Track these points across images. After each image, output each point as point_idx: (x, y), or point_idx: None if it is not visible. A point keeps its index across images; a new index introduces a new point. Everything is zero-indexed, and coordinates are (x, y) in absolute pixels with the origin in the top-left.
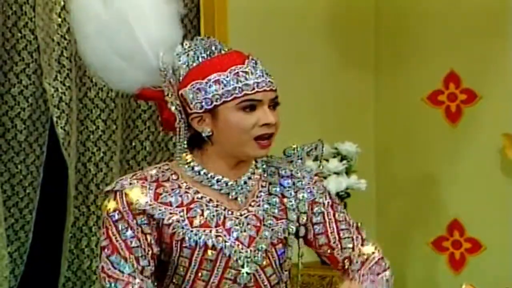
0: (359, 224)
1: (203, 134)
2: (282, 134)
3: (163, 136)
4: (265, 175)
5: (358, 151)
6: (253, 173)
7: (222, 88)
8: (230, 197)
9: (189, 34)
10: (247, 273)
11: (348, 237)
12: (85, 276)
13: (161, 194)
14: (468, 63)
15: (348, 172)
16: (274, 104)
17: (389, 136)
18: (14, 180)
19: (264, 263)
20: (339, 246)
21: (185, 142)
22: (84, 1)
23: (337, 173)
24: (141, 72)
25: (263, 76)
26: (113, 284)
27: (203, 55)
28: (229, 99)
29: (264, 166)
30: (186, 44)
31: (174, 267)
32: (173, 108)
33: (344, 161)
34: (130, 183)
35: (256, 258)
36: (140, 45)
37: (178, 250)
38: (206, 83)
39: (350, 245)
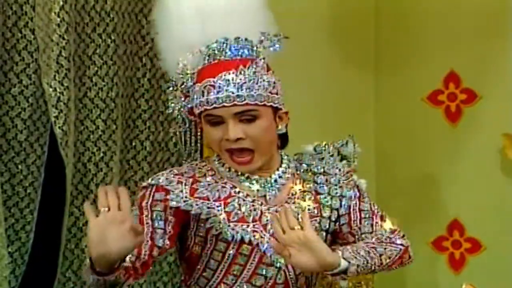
0: (384, 213)
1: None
2: None
3: (164, 136)
4: (298, 172)
5: (358, 151)
6: (285, 172)
7: (195, 99)
8: (259, 194)
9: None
10: (276, 267)
11: (369, 224)
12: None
13: (197, 189)
14: (468, 63)
15: None
16: (250, 117)
17: (389, 136)
18: (14, 180)
19: None
20: (359, 232)
21: (191, 145)
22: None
23: None
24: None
25: (229, 91)
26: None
27: (202, 61)
28: (197, 111)
29: (296, 164)
30: (203, 47)
31: (205, 261)
32: (175, 111)
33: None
34: (167, 178)
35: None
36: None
37: (213, 244)
38: (193, 91)
39: (370, 229)
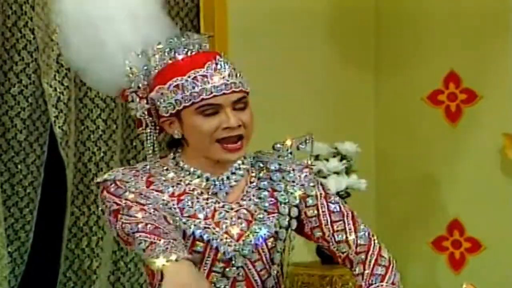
0: (353, 212)
1: (175, 137)
2: (283, 133)
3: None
4: (254, 169)
5: (358, 150)
6: (238, 168)
7: (182, 93)
8: (210, 192)
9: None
10: (236, 267)
11: (342, 230)
12: (85, 276)
13: (153, 182)
14: (468, 63)
15: (348, 172)
16: (243, 104)
17: (389, 136)
18: (14, 180)
19: (254, 257)
20: (333, 239)
21: (154, 146)
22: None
23: (337, 173)
24: (115, 75)
25: (224, 79)
26: (133, 226)
27: (168, 57)
28: (188, 104)
29: (253, 161)
30: (157, 46)
31: None
32: (138, 114)
33: (344, 161)
34: (123, 173)
35: (245, 252)
36: (108, 48)
37: None
38: (168, 88)
39: (344, 238)
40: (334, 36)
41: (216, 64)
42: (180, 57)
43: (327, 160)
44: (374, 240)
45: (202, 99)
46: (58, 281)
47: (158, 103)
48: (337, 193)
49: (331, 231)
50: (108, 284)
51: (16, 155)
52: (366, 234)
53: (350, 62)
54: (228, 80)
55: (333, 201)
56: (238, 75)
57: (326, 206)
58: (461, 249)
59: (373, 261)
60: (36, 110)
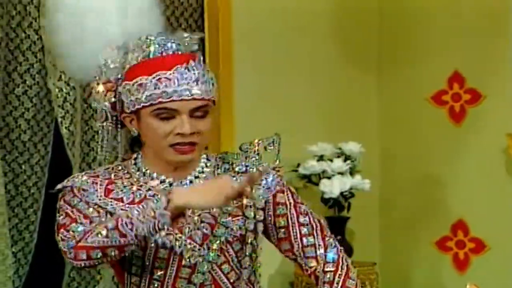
0: (322, 222)
1: (132, 134)
2: (285, 134)
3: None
4: (219, 171)
5: (362, 151)
6: (202, 172)
7: (143, 93)
8: None
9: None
10: (201, 273)
11: (311, 245)
12: (90, 276)
13: (112, 190)
14: (472, 63)
15: (352, 172)
16: (202, 113)
17: (393, 136)
18: (18, 180)
19: (220, 261)
20: (301, 254)
21: (107, 140)
22: None
23: (341, 173)
24: (91, 64)
25: (187, 84)
26: (70, 240)
27: (142, 54)
28: (146, 104)
29: (219, 163)
30: (136, 41)
31: (130, 267)
32: (98, 106)
33: (348, 161)
34: (82, 180)
35: (209, 256)
36: (89, 36)
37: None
38: (133, 85)
39: (313, 254)
40: (338, 36)
41: (185, 68)
42: (152, 55)
43: (331, 160)
44: (342, 258)
45: (160, 102)
46: (63, 282)
47: (123, 98)
48: (341, 194)
49: (300, 246)
50: (112, 284)
51: (20, 155)
52: (335, 251)
53: (354, 62)
54: (191, 87)
55: (303, 212)
56: (206, 82)
57: (295, 217)
58: (466, 250)
59: (340, 283)
60: (40, 111)
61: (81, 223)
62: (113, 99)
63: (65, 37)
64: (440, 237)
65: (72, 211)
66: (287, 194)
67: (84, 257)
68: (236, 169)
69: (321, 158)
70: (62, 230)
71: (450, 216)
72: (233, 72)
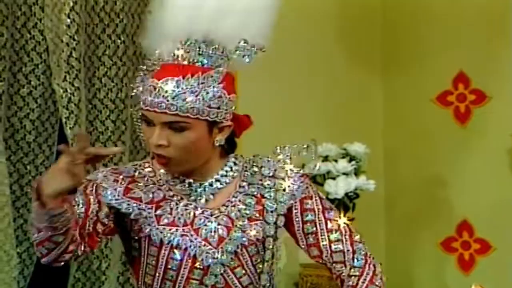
0: (351, 227)
1: None
2: (291, 134)
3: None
4: (246, 174)
5: (367, 151)
6: (225, 175)
7: (142, 94)
8: (190, 198)
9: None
10: (214, 274)
11: (340, 251)
12: (95, 276)
13: (132, 189)
14: (477, 64)
15: (357, 172)
16: (178, 128)
17: (398, 137)
18: (23, 181)
19: (234, 264)
20: (330, 260)
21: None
22: None
23: (346, 174)
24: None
25: (164, 97)
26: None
27: (168, 58)
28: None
29: (248, 165)
30: (182, 41)
31: (144, 266)
32: (138, 93)
33: (353, 162)
34: (104, 175)
35: (223, 259)
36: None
37: (146, 248)
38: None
39: (341, 259)
40: (342, 37)
41: (176, 81)
42: (163, 61)
43: (336, 161)
44: (369, 263)
45: (141, 109)
46: (68, 282)
47: None
48: (346, 194)
49: (329, 252)
50: (118, 284)
51: (25, 156)
52: (363, 256)
53: (359, 63)
54: (167, 100)
55: (331, 217)
56: (192, 99)
57: (324, 223)
58: (471, 250)
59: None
60: (45, 111)
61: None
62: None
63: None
64: (445, 238)
65: (77, 206)
66: (315, 200)
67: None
68: (264, 172)
69: (326, 158)
70: None
71: (455, 216)
72: (236, 73)
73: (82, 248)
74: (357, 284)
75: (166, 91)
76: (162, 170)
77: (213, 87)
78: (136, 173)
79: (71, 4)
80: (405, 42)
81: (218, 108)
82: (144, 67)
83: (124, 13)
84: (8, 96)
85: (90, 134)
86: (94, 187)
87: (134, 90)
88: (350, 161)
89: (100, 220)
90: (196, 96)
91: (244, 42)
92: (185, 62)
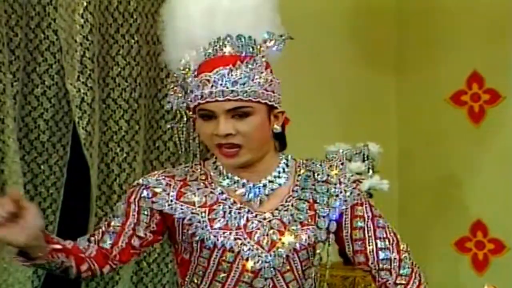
0: (398, 237)
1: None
2: (304, 134)
3: (187, 137)
4: (299, 179)
5: (381, 151)
6: (278, 176)
7: (191, 94)
8: (243, 199)
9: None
10: (264, 278)
11: (387, 259)
12: (108, 276)
13: (185, 193)
14: (492, 63)
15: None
16: (242, 113)
17: (411, 136)
18: (37, 180)
19: (284, 268)
20: (376, 267)
21: (183, 142)
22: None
23: (359, 174)
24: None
25: (224, 86)
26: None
27: (205, 55)
28: (191, 105)
29: (302, 169)
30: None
31: (194, 267)
32: (173, 106)
33: (366, 162)
34: (157, 179)
35: (275, 263)
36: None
37: (198, 250)
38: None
39: (388, 266)
40: (356, 36)
41: (229, 70)
42: (207, 57)
43: (350, 161)
44: (416, 273)
45: (199, 103)
46: (81, 282)
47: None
48: None
49: (376, 259)
50: (131, 284)
51: (39, 155)
52: (410, 265)
53: (373, 62)
54: (227, 88)
55: (380, 225)
56: (250, 83)
57: (372, 231)
58: (485, 250)
59: None
60: (59, 111)
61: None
62: (183, 100)
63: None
64: (459, 238)
65: (115, 217)
66: (366, 207)
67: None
68: (318, 177)
69: (364, 159)
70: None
71: (469, 216)
72: None
73: (109, 268)
74: None
75: (223, 79)
76: (214, 171)
77: (262, 72)
78: (188, 176)
79: (85, 4)
80: (419, 41)
81: (273, 92)
82: (174, 80)
83: (137, 13)
84: (22, 96)
85: (104, 134)
86: (139, 194)
87: (169, 104)
88: (363, 160)
89: (136, 234)
90: (252, 80)
91: (268, 34)
92: (227, 54)
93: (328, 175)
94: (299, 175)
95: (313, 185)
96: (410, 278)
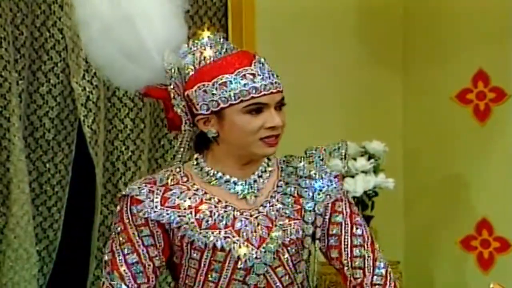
0: (373, 237)
1: (209, 135)
2: (309, 132)
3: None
4: (283, 174)
5: (386, 149)
6: (264, 171)
7: (229, 91)
8: (238, 197)
9: (217, 33)
10: (256, 274)
11: (360, 256)
12: None
13: (169, 198)
14: (497, 61)
15: (375, 171)
16: (280, 105)
17: (417, 135)
18: (42, 179)
19: (275, 264)
20: (349, 264)
21: (189, 143)
22: (89, 1)
23: (364, 172)
24: (146, 71)
25: (270, 78)
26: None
27: (210, 55)
28: (236, 102)
29: (283, 165)
30: (191, 44)
31: (185, 269)
32: (178, 110)
33: (372, 160)
34: (139, 187)
35: (265, 259)
36: (145, 45)
37: (189, 252)
38: (213, 85)
39: (361, 265)
40: (362, 34)
41: (260, 63)
42: (221, 55)
43: (354, 159)
44: (390, 273)
45: (252, 98)
46: (87, 280)
47: (196, 100)
48: (365, 192)
49: (349, 255)
50: None
51: (45, 154)
52: (384, 265)
53: (378, 61)
54: (272, 80)
55: (357, 223)
56: (276, 75)
57: (349, 227)
58: (490, 249)
59: None
60: (64, 109)
61: (122, 279)
62: (182, 103)
63: (112, 51)
64: (465, 236)
65: (116, 249)
66: (345, 203)
67: None
68: (300, 173)
69: (344, 157)
70: (106, 272)
71: (475, 215)
72: None
73: None
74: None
75: (267, 72)
76: (200, 173)
77: None
78: (169, 181)
79: None
80: (425, 39)
81: None
82: (174, 83)
83: None
84: (28, 94)
85: (109, 132)
86: (129, 211)
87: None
88: (369, 159)
89: (155, 266)
90: (273, 71)
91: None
92: (233, 49)
93: (310, 171)
94: (282, 170)
95: (296, 180)
96: (386, 278)
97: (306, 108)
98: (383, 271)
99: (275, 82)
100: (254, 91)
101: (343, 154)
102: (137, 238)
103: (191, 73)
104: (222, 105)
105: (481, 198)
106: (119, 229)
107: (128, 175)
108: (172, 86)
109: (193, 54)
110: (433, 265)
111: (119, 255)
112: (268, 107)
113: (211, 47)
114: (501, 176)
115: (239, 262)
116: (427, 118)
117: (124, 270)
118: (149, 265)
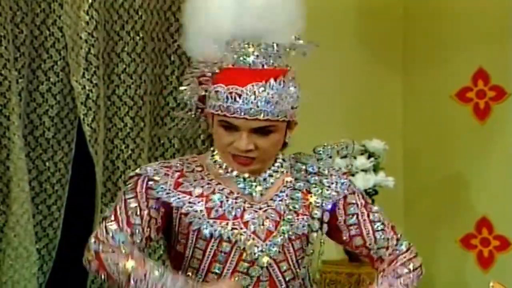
0: (393, 224)
1: (209, 131)
2: (310, 130)
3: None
4: (292, 170)
5: (386, 148)
6: (276, 171)
7: (216, 100)
8: (245, 192)
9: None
10: (260, 266)
11: (384, 238)
12: None
13: (182, 183)
14: (497, 60)
15: (375, 169)
16: (266, 131)
17: (417, 133)
18: (42, 177)
19: (279, 258)
20: (375, 247)
21: (186, 130)
22: None
23: (364, 171)
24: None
25: (257, 104)
26: (99, 245)
27: (230, 61)
28: (215, 112)
29: (292, 162)
30: (231, 44)
31: (188, 259)
32: (185, 97)
33: (372, 158)
34: (155, 169)
35: (270, 252)
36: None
37: (194, 241)
38: (213, 89)
39: (386, 244)
40: (363, 34)
41: (262, 87)
42: (236, 65)
43: (355, 157)
44: (411, 250)
45: (224, 115)
46: (87, 278)
47: (209, 96)
48: (365, 191)
49: (373, 239)
50: None
51: (44, 152)
52: (406, 242)
53: (379, 60)
54: (257, 107)
55: (373, 210)
56: (280, 103)
57: (366, 215)
58: (490, 247)
59: (399, 262)
60: (64, 108)
61: (121, 230)
62: (203, 93)
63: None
64: (464, 235)
65: (120, 209)
66: (358, 195)
67: (93, 269)
68: (309, 169)
69: (346, 156)
70: (102, 227)
71: (474, 213)
72: None
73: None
74: (397, 257)
75: (255, 98)
76: (213, 165)
77: (292, 87)
78: (185, 168)
79: (90, 1)
80: (425, 39)
81: (296, 107)
82: (193, 71)
83: (143, 10)
84: (27, 92)
85: (109, 131)
86: (145, 184)
87: (182, 95)
88: (369, 157)
89: (150, 235)
90: (283, 99)
91: (297, 39)
92: (259, 67)
93: (318, 168)
94: (292, 166)
95: (305, 176)
96: (405, 252)
97: (307, 107)
98: (405, 248)
99: (261, 111)
100: (227, 110)
101: (350, 153)
102: (146, 207)
103: (218, 70)
104: (211, 110)
105: (481, 197)
106: (129, 195)
107: (127, 173)
108: (197, 74)
109: (226, 55)
110: (433, 263)
111: (121, 214)
112: (239, 129)
113: (237, 53)
114: (501, 174)
115: (244, 254)
116: (427, 116)
117: (124, 226)
118: (147, 230)
